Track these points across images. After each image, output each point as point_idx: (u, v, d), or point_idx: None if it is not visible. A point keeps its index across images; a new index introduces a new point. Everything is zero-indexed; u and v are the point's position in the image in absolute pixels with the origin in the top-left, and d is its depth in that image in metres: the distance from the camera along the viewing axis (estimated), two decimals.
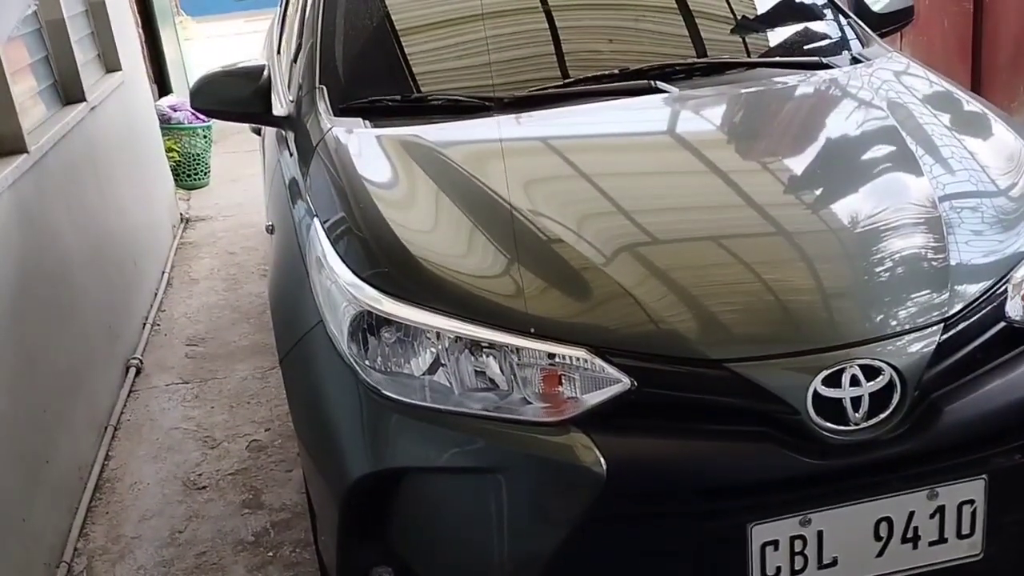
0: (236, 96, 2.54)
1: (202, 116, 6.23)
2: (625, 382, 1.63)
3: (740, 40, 2.74)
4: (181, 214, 5.73)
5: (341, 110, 2.39)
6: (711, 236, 1.88)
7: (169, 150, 5.92)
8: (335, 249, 1.93)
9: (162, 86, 7.25)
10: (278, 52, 3.48)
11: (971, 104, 2.33)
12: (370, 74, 2.54)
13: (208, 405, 3.46)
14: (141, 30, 6.84)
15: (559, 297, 1.74)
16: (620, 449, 1.60)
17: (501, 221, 1.91)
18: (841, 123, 2.26)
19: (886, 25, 2.90)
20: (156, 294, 4.47)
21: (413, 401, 1.73)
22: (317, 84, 2.48)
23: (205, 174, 6.57)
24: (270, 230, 2.57)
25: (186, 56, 8.47)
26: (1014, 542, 1.70)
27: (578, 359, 1.65)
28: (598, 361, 1.64)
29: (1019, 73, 3.71)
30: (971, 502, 1.65)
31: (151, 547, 2.69)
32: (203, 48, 8.83)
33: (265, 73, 2.55)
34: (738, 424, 1.62)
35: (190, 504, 2.87)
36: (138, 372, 3.72)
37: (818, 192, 1.98)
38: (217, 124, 6.40)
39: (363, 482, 1.73)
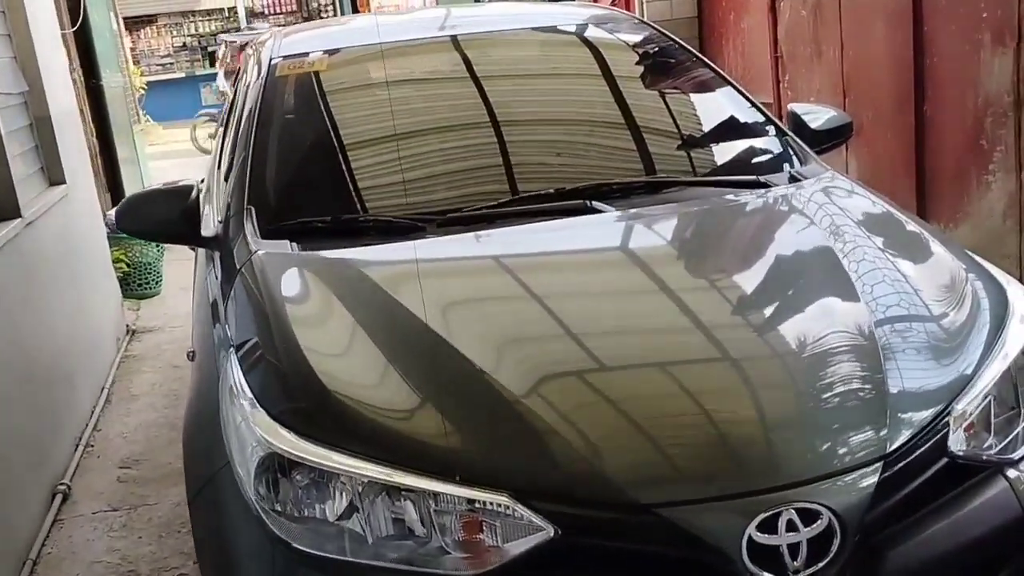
0: (162, 217, 2.46)
1: None
2: (548, 530, 1.52)
3: (680, 156, 2.72)
4: (128, 325, 5.59)
5: (268, 231, 2.32)
6: (640, 365, 1.81)
7: (116, 260, 5.82)
8: (247, 381, 1.82)
9: (117, 194, 7.20)
10: (218, 167, 3.43)
11: (909, 225, 2.30)
12: (300, 194, 2.48)
13: (136, 535, 3.27)
14: (95, 139, 6.83)
15: (480, 437, 1.64)
16: None
17: (424, 354, 1.82)
18: (777, 246, 2.21)
19: (825, 142, 2.88)
20: (93, 412, 4.29)
21: (323, 553, 1.60)
22: (245, 204, 2.41)
23: (156, 283, 6.46)
24: (191, 356, 2.46)
25: (145, 162, 8.46)
26: None
27: (499, 505, 1.54)
28: (520, 507, 1.53)
29: (963, 185, 3.74)
30: None
31: None
32: (167, 152, 8.81)
33: (193, 193, 2.48)
34: (671, 574, 1.51)
35: None
36: (65, 499, 3.52)
37: (751, 320, 1.92)
38: None
39: None
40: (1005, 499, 1.62)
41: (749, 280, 2.07)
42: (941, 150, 3.88)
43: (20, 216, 3.65)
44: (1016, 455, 1.69)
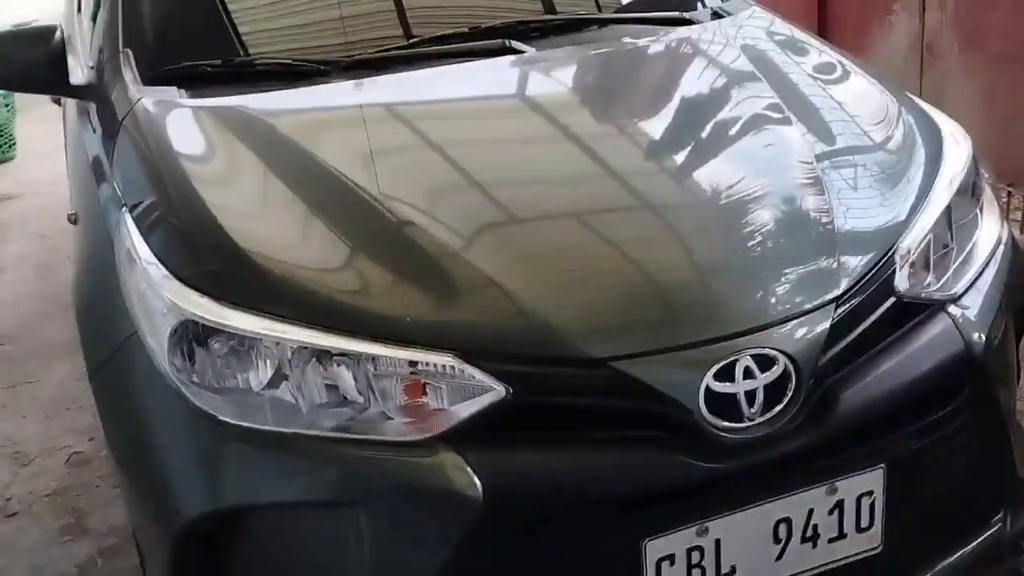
0: (24, 62, 2.17)
1: None
2: (499, 390, 1.42)
3: None
4: None
5: (151, 78, 2.06)
6: (579, 212, 1.70)
7: None
8: (148, 243, 1.63)
9: None
10: (78, 11, 3.06)
11: (841, 59, 2.22)
12: (184, 35, 2.21)
13: (19, 414, 3.06)
14: None
15: (417, 292, 1.51)
16: (497, 467, 1.40)
17: (345, 205, 1.67)
18: (709, 83, 2.10)
19: None
20: None
21: (252, 425, 1.48)
22: (121, 47, 2.13)
23: (10, 147, 5.94)
24: (73, 219, 2.21)
25: None
26: (913, 532, 1.61)
27: (444, 366, 1.44)
28: (467, 367, 1.43)
29: (864, 30, 3.71)
30: (870, 493, 1.54)
31: None
32: None
33: (58, 34, 2.18)
34: (627, 429, 1.45)
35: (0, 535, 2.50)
36: None
37: (692, 161, 1.82)
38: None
39: (197, 524, 1.47)
40: (949, 335, 1.61)
41: (686, 121, 1.96)
42: None
43: None
44: (955, 291, 1.68)
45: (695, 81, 2.12)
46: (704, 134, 1.89)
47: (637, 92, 2.10)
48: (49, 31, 2.19)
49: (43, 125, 6.41)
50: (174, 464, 1.53)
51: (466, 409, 1.43)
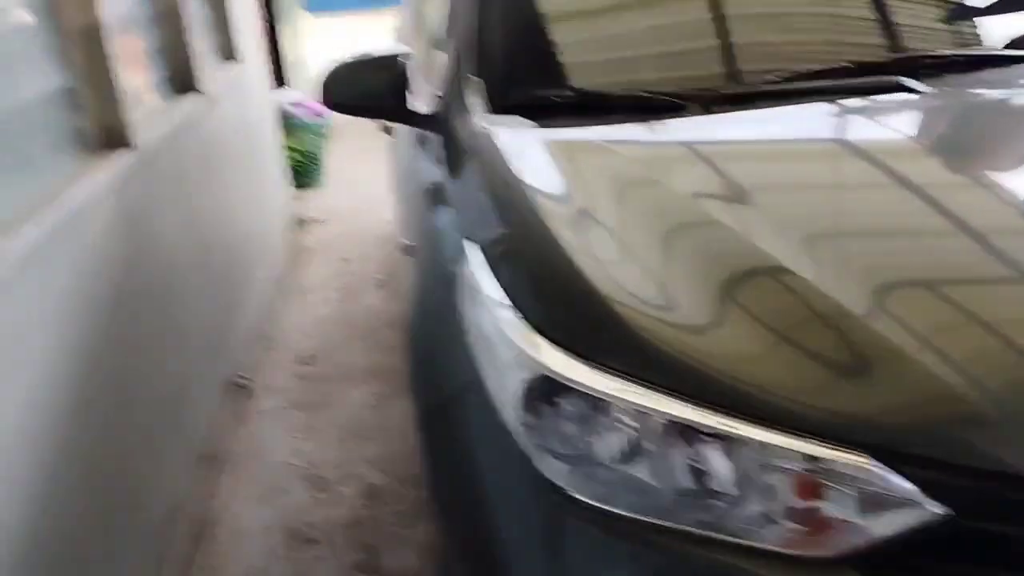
0: (369, 89, 2.13)
1: (320, 112, 5.96)
2: (931, 508, 1.12)
3: (988, 31, 2.19)
4: (295, 216, 5.42)
5: (501, 107, 1.95)
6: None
7: (291, 150, 5.62)
8: (496, 280, 1.48)
9: (279, 81, 7.02)
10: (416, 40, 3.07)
11: None
12: (536, 65, 2.08)
13: (319, 437, 3.07)
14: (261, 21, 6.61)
15: (817, 365, 1.23)
16: None
17: (720, 256, 1.42)
18: None
19: None
20: (267, 304, 4.13)
21: (603, 505, 1.26)
22: (470, 76, 2.04)
23: (320, 174, 6.28)
24: (409, 251, 2.13)
25: (303, 52, 8.27)
26: None
27: (855, 467, 1.15)
28: (888, 474, 1.13)
29: None
30: None
31: None
32: (320, 44, 8.65)
33: (401, 63, 2.13)
34: None
35: (298, 561, 2.47)
36: (246, 393, 3.36)
37: None
38: (332, 121, 6.10)
39: None
40: None
41: None
42: None
43: (199, 91, 3.41)
44: None
45: None
46: None
47: None
48: (392, 60, 2.15)
49: (347, 155, 6.79)
50: (512, 540, 1.34)
51: (885, 526, 1.14)
